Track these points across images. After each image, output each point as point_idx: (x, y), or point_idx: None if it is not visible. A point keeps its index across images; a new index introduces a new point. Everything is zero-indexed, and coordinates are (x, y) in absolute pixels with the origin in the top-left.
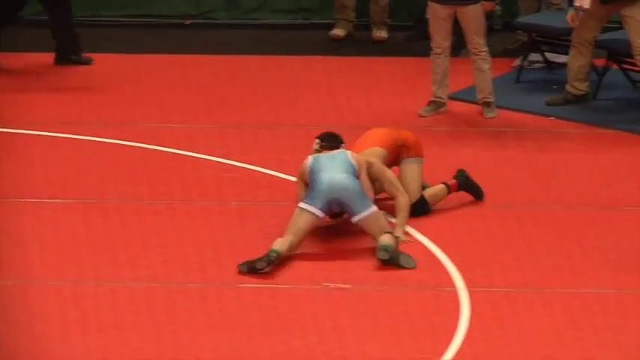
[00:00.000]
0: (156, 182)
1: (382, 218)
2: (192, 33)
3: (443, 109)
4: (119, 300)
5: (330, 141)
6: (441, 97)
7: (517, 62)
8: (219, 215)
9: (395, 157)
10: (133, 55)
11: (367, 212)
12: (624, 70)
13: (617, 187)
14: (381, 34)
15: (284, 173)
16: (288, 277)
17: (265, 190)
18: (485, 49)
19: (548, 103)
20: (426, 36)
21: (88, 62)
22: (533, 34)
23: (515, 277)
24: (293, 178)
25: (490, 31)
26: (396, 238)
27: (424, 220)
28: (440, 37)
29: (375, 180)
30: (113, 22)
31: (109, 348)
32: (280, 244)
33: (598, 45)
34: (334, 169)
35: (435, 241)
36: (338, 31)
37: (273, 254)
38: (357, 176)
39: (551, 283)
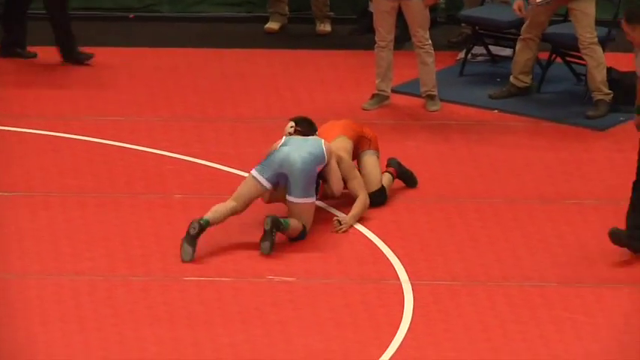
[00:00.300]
0: (100, 175)
1: (311, 213)
2: (136, 26)
3: (386, 103)
4: (63, 293)
5: (305, 126)
6: (384, 91)
7: (461, 55)
8: (162, 208)
9: (355, 148)
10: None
11: (302, 200)
12: (568, 64)
13: (560, 180)
14: (325, 27)
15: (227, 166)
16: (232, 270)
17: (208, 183)
18: (429, 42)
19: (491, 97)
20: (369, 29)
21: (33, 56)
22: (477, 27)
23: (458, 270)
24: (236, 172)
25: (434, 24)
26: (341, 222)
27: (367, 213)
28: (384, 30)
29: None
30: None
31: (53, 341)
32: (213, 214)
33: (543, 38)
34: (299, 147)
35: (378, 235)
36: (272, 25)
37: (203, 222)
38: (325, 165)
39: (495, 276)
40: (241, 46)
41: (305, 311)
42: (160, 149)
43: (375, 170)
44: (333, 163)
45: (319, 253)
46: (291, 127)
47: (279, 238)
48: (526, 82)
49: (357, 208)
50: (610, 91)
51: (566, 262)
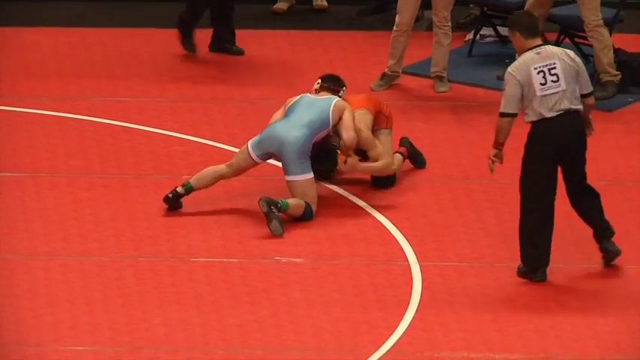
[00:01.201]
0: (107, 156)
1: (313, 190)
2: (143, 6)
3: (396, 81)
4: (70, 274)
5: (331, 82)
6: (396, 72)
7: (469, 36)
8: (170, 189)
9: (373, 124)
10: (84, 28)
11: (300, 177)
12: (577, 45)
13: None
14: (322, 2)
15: (235, 147)
16: (240, 252)
17: (216, 163)
18: (449, 24)
19: (499, 78)
20: (376, 10)
21: (240, 53)
22: (485, 8)
23: (466, 252)
24: None
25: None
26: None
27: (376, 195)
28: (408, 14)
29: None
30: None
31: (60, 322)
32: (197, 179)
33: (550, 19)
34: (295, 122)
35: (386, 216)
36: (280, 5)
37: (188, 186)
38: (330, 124)
39: (502, 257)
40: (248, 26)
41: (313, 292)
42: (168, 130)
43: (388, 154)
44: (346, 116)
45: (327, 234)
46: (318, 83)
47: (287, 219)
48: None
49: (373, 166)
50: (618, 72)
51: (574, 242)
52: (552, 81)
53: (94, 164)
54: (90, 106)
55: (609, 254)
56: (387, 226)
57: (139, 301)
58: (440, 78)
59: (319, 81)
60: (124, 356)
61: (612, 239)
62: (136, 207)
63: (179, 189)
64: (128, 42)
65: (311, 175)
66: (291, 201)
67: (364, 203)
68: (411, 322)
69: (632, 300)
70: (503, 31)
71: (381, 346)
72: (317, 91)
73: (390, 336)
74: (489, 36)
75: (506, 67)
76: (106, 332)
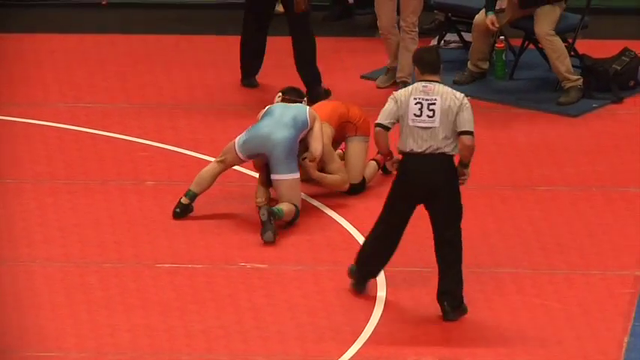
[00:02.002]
0: (72, 162)
1: (298, 190)
2: (108, 13)
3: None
4: (35, 280)
5: (291, 94)
6: (395, 67)
7: (433, 42)
8: (134, 195)
9: (341, 134)
10: (50, 34)
11: (288, 176)
12: (540, 50)
13: (532, 166)
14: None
15: (199, 153)
16: (205, 257)
17: (180, 169)
18: (417, 29)
19: (455, 82)
20: (342, 16)
21: (328, 94)
22: (450, 14)
23: (430, 257)
24: (208, 158)
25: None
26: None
27: (341, 201)
28: (386, 17)
29: (320, 160)
30: (30, 3)
31: (25, 328)
32: (197, 184)
33: (515, 25)
34: (280, 121)
35: (350, 221)
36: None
37: (191, 194)
38: (308, 130)
39: (468, 262)
40: (214, 32)
41: (278, 298)
42: (133, 136)
43: (357, 161)
44: (316, 127)
45: (291, 239)
46: (279, 97)
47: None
48: (484, 68)
49: (328, 177)
50: (579, 77)
51: (539, 248)
52: (428, 115)
53: (59, 170)
54: (54, 112)
55: (447, 315)
56: (351, 231)
57: (103, 306)
58: (404, 84)
59: (280, 94)
60: None
61: (454, 307)
62: (100, 213)
63: (183, 200)
64: (93, 48)
65: (297, 174)
66: (284, 207)
67: (329, 209)
68: (375, 328)
69: (596, 305)
70: (468, 37)
71: (345, 351)
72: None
73: (354, 341)
74: (454, 42)
75: (464, 72)
76: (71, 338)
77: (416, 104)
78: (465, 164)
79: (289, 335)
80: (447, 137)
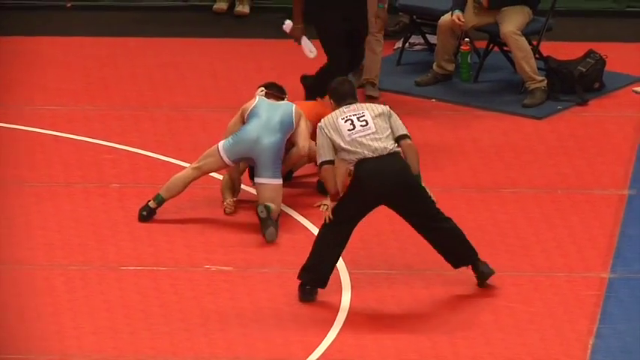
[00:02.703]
0: (37, 164)
1: (279, 194)
2: (73, 15)
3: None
4: (1, 283)
5: (274, 90)
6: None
7: (398, 44)
8: (99, 197)
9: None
10: (15, 37)
11: (272, 181)
12: (505, 53)
13: (497, 169)
14: (243, 9)
15: (163, 155)
16: (169, 260)
17: (145, 171)
18: (382, 32)
19: (417, 83)
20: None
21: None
22: (414, 16)
23: (396, 259)
24: (173, 160)
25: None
26: None
27: (305, 203)
28: None
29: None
30: None
31: None
32: (167, 189)
33: (479, 28)
34: (268, 125)
35: (314, 222)
36: (220, 5)
37: (159, 199)
38: (294, 128)
39: (432, 264)
40: (178, 35)
41: (243, 301)
42: (97, 138)
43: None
44: (302, 125)
45: (257, 242)
46: (261, 91)
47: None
48: (450, 70)
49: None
50: (543, 78)
51: (504, 250)
52: (361, 125)
53: (24, 173)
54: (20, 114)
55: (483, 275)
56: (315, 233)
57: (68, 309)
58: (373, 84)
59: (263, 89)
60: None
61: (482, 260)
62: (65, 215)
63: (151, 203)
64: (59, 50)
65: (280, 180)
66: (273, 206)
67: (294, 212)
68: (340, 331)
69: (561, 307)
70: (432, 39)
71: (311, 354)
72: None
73: (319, 344)
74: (418, 44)
75: (427, 73)
76: (36, 341)
77: (345, 122)
78: (418, 172)
79: (255, 338)
80: (389, 138)
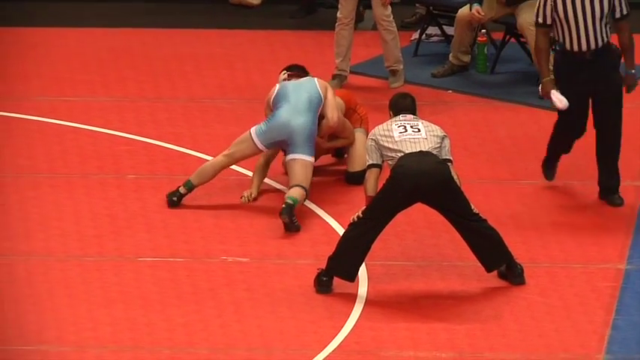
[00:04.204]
0: (53, 155)
1: (309, 171)
2: (87, 6)
3: (345, 82)
4: (16, 273)
5: (297, 70)
6: (344, 70)
7: (415, 36)
8: (116, 188)
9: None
10: (29, 28)
11: (301, 156)
12: (522, 44)
13: (514, 160)
14: (254, 0)
15: (180, 146)
16: (185, 251)
17: (162, 163)
18: (390, 19)
19: (434, 75)
20: (310, 10)
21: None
22: (431, 8)
23: (413, 251)
24: (189, 152)
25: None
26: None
27: (321, 194)
28: (349, 5)
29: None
30: None
31: (5, 321)
32: (198, 176)
33: (496, 20)
34: (297, 107)
35: (332, 214)
36: None
37: (189, 185)
38: (322, 104)
39: (449, 256)
40: (194, 25)
41: (259, 292)
42: (114, 129)
43: (362, 151)
44: (329, 95)
45: (273, 233)
46: (284, 74)
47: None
48: (466, 61)
49: (340, 141)
50: None
51: (521, 242)
52: (413, 131)
53: (40, 164)
54: (35, 105)
55: (513, 281)
56: (332, 225)
57: (84, 300)
58: (393, 72)
59: (285, 71)
60: (70, 355)
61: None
62: (81, 206)
63: (181, 189)
64: (72, 42)
65: (312, 159)
66: (296, 195)
67: (310, 203)
68: (357, 321)
69: (577, 299)
70: (449, 30)
71: (327, 345)
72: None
73: (336, 335)
74: (435, 35)
75: (444, 65)
76: (52, 332)
77: (399, 127)
78: None
79: (270, 329)
80: (436, 150)
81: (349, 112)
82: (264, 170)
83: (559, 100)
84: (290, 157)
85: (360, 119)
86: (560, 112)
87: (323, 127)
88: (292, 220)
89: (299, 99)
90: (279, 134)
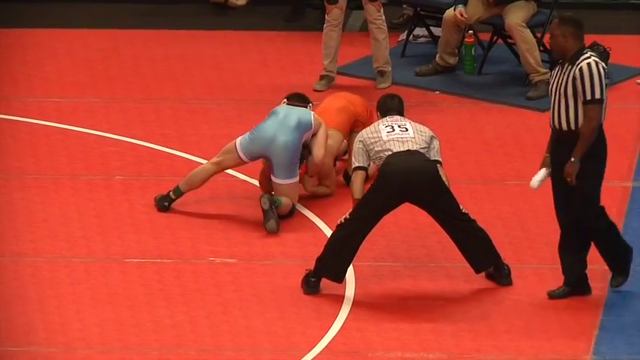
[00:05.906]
0: (40, 156)
1: (296, 191)
2: (75, 7)
3: (333, 84)
4: (4, 274)
5: (297, 100)
6: (332, 72)
7: (402, 36)
8: (103, 189)
9: (349, 132)
10: (17, 29)
11: (287, 181)
12: (509, 45)
13: (501, 161)
14: (238, 1)
15: (168, 147)
16: (173, 252)
17: (149, 164)
18: (381, 18)
19: (417, 74)
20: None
21: None
22: (419, 9)
23: (400, 252)
24: (177, 153)
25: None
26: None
27: (308, 196)
28: (339, 8)
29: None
30: None
31: None
32: (187, 183)
33: (484, 21)
34: (284, 123)
35: (319, 215)
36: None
37: (178, 192)
38: (311, 134)
39: (437, 257)
40: (182, 27)
41: (246, 293)
42: (101, 130)
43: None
44: (321, 133)
45: (260, 234)
46: (284, 102)
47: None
48: (451, 63)
49: (320, 190)
50: (547, 71)
51: (507, 242)
52: (401, 130)
53: (28, 165)
54: (23, 106)
55: (500, 282)
56: (320, 226)
57: (73, 301)
58: (381, 73)
59: (285, 100)
60: (59, 356)
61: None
62: (69, 207)
63: (171, 194)
64: (60, 43)
65: (297, 178)
66: (282, 200)
67: (298, 204)
68: (344, 322)
69: (564, 300)
70: (437, 31)
71: (314, 346)
72: None
73: (324, 336)
74: (423, 36)
75: (429, 64)
76: (40, 332)
77: (386, 127)
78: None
79: (258, 330)
80: (424, 150)
81: (350, 125)
82: (269, 183)
83: (535, 179)
84: (276, 180)
85: (362, 124)
86: None
87: (309, 166)
88: (272, 208)
89: (288, 116)
90: (263, 150)
